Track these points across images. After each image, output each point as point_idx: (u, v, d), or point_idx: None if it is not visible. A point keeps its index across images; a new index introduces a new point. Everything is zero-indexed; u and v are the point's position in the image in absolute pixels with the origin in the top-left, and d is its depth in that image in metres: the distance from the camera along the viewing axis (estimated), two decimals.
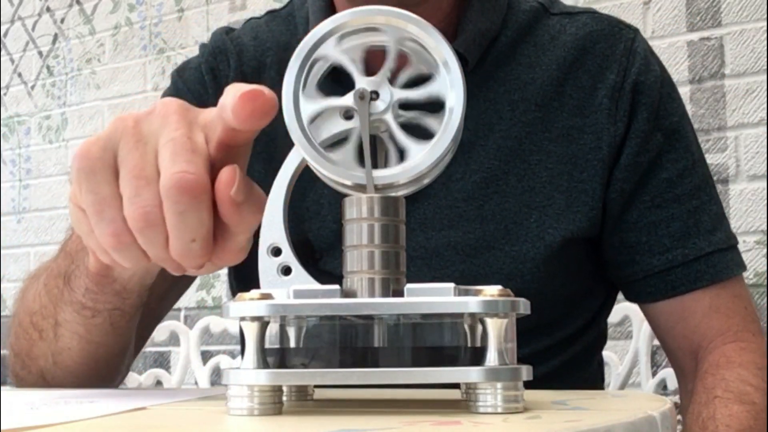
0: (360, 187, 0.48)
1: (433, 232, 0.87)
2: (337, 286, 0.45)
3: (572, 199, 0.87)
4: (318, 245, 0.88)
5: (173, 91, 0.96)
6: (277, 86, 0.50)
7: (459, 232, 0.87)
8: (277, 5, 1.03)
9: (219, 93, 0.93)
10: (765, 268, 1.72)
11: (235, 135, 0.52)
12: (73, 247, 0.74)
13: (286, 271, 0.50)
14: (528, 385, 0.44)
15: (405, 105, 0.50)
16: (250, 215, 0.51)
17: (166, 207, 0.50)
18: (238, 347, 1.66)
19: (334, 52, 0.49)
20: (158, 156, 0.51)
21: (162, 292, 0.88)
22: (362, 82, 0.49)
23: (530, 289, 0.85)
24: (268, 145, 0.91)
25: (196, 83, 0.95)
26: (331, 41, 0.50)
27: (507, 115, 0.89)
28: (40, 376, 0.82)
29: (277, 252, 0.50)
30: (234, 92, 0.51)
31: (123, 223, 0.52)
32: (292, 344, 0.46)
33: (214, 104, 0.93)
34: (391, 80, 0.49)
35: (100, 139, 0.53)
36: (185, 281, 0.94)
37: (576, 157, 0.88)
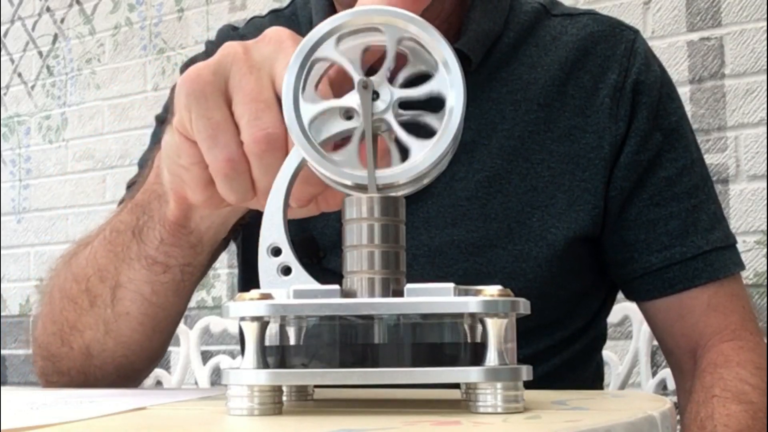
0: (360, 187, 0.48)
1: (437, 230, 0.87)
2: (336, 286, 0.45)
3: (574, 198, 0.87)
4: (322, 243, 0.88)
5: None
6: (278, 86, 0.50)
7: (462, 231, 0.87)
8: (277, 5, 1.04)
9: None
10: (765, 268, 1.72)
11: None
12: (143, 199, 0.71)
13: (286, 271, 0.50)
14: (528, 385, 0.44)
15: (405, 104, 0.50)
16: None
17: (253, 158, 0.50)
18: (238, 347, 1.67)
19: (334, 53, 0.49)
20: (275, 84, 0.51)
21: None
22: (361, 81, 0.49)
23: (532, 288, 0.86)
24: None
25: None
26: (330, 42, 0.50)
27: (510, 115, 0.89)
28: (84, 351, 0.77)
29: (277, 252, 0.50)
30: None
31: (239, 148, 0.51)
32: (292, 344, 0.46)
33: None
34: (391, 80, 0.49)
35: (210, 64, 0.52)
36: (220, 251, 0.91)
37: (578, 156, 0.88)
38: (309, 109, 0.49)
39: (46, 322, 0.79)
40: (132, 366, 0.79)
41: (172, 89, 0.98)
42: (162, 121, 0.96)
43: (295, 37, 0.52)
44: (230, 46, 0.53)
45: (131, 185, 0.92)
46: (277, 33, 0.52)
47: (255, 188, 0.52)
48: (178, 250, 0.70)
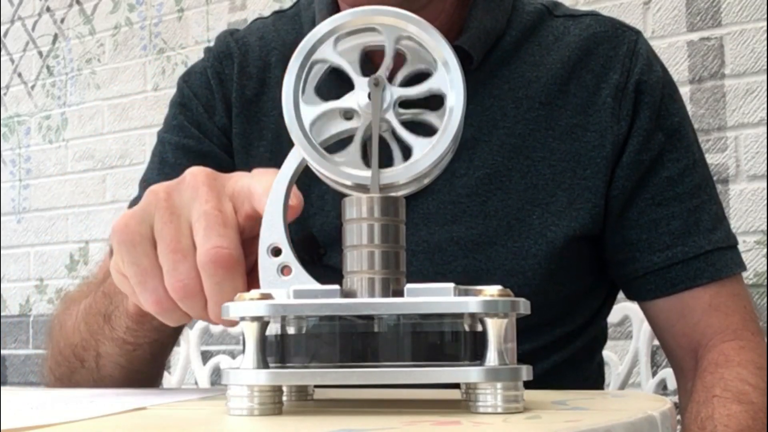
0: (360, 187, 0.48)
1: (437, 227, 0.87)
2: (336, 286, 0.45)
3: (575, 196, 0.88)
4: (322, 240, 0.89)
5: (180, 97, 0.97)
6: (281, 86, 0.50)
7: (462, 228, 0.87)
8: (277, 5, 1.04)
9: (226, 97, 0.94)
10: (765, 268, 1.72)
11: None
12: (111, 289, 0.77)
13: (286, 270, 0.50)
14: (528, 383, 0.44)
15: (405, 103, 0.50)
16: None
17: (204, 279, 0.54)
18: (238, 347, 1.66)
19: (332, 55, 0.49)
20: (192, 229, 0.55)
21: None
22: (361, 82, 0.49)
23: (532, 285, 0.86)
24: (273, 143, 0.92)
25: (203, 88, 0.96)
26: (328, 43, 0.50)
27: (511, 113, 0.89)
28: None
29: (277, 252, 0.50)
30: (266, 194, 0.53)
31: (165, 292, 0.56)
32: (292, 344, 0.46)
33: (221, 109, 0.94)
34: (390, 79, 0.49)
35: (137, 213, 0.57)
36: None
37: (579, 155, 0.88)
38: (310, 112, 0.49)
39: (53, 369, 0.87)
40: None
41: (170, 104, 0.99)
42: (161, 142, 0.97)
43: (210, 180, 0.57)
44: (153, 193, 0.58)
45: (133, 203, 0.93)
46: (194, 177, 0.57)
47: (189, 316, 0.58)
48: (144, 333, 0.76)
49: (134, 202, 0.95)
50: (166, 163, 0.95)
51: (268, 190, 0.53)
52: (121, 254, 0.57)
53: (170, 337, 0.81)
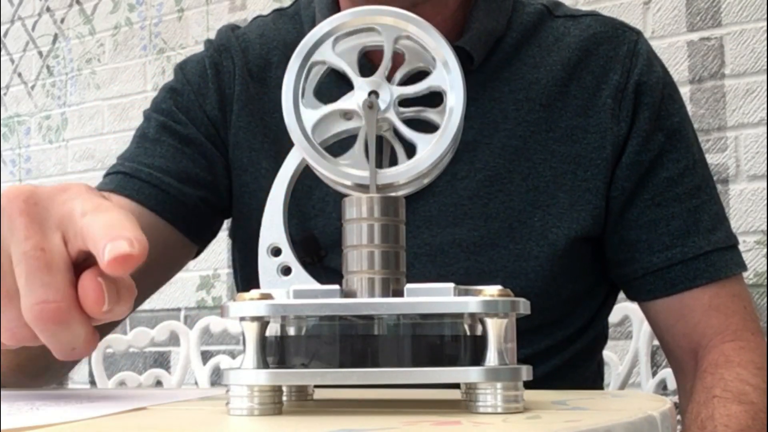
0: (360, 187, 0.48)
1: (438, 229, 0.87)
2: (336, 286, 0.45)
3: (576, 198, 0.88)
4: (323, 242, 0.89)
5: (173, 82, 0.97)
6: (281, 86, 0.50)
7: (463, 230, 0.87)
8: (277, 5, 1.04)
9: (221, 89, 0.94)
10: (765, 268, 1.72)
11: None
12: None
13: (286, 271, 0.50)
14: (528, 385, 0.44)
15: (404, 101, 0.50)
16: (125, 307, 0.49)
17: (36, 331, 0.48)
18: (238, 347, 1.66)
19: (331, 56, 0.49)
20: (13, 269, 0.47)
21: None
22: (360, 83, 0.49)
23: (533, 287, 0.86)
24: (275, 143, 0.92)
25: (197, 76, 0.96)
26: (327, 45, 0.50)
27: (512, 115, 0.89)
28: None
29: (277, 252, 0.50)
30: (105, 237, 0.45)
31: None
32: (292, 344, 0.46)
33: (214, 99, 0.94)
34: (389, 78, 0.49)
35: None
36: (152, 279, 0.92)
37: (580, 156, 0.88)
38: (310, 116, 0.49)
39: None
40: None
41: (162, 87, 0.99)
42: (147, 118, 0.97)
43: (28, 207, 0.48)
44: None
45: (105, 175, 0.93)
46: (9, 204, 0.48)
47: None
48: None
49: (105, 176, 0.93)
50: (147, 137, 0.95)
51: (108, 228, 0.45)
52: None
53: None
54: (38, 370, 0.79)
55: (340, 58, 0.50)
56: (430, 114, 0.49)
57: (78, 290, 0.47)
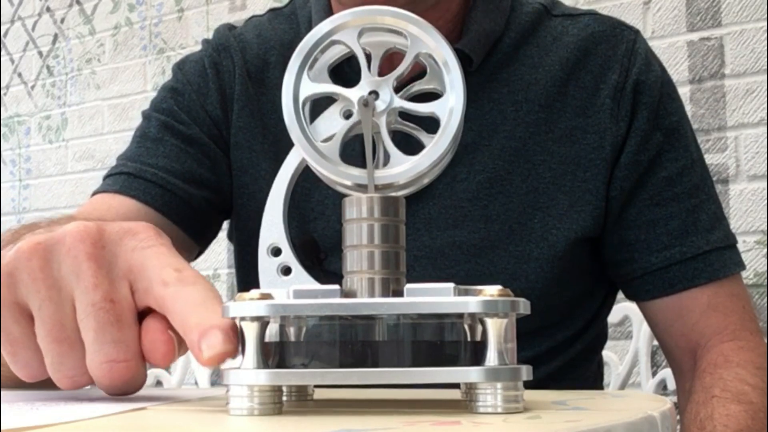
0: (360, 187, 0.48)
1: (438, 231, 0.87)
2: (336, 286, 0.45)
3: (575, 199, 0.88)
4: (323, 245, 0.88)
5: (173, 82, 0.97)
6: (280, 86, 0.50)
7: (464, 232, 0.87)
8: (277, 5, 1.04)
9: (222, 88, 0.94)
10: (765, 268, 1.72)
11: None
12: None
13: (286, 271, 0.50)
14: (528, 386, 0.44)
15: (405, 115, 0.50)
16: (182, 354, 0.48)
17: (98, 385, 0.47)
18: None
19: (354, 42, 0.49)
20: (78, 320, 0.46)
21: None
22: (369, 78, 0.49)
23: (534, 289, 0.86)
24: (274, 145, 0.92)
25: (197, 76, 0.95)
26: (353, 31, 0.49)
27: (511, 116, 0.89)
28: None
29: (277, 252, 0.50)
30: (197, 327, 0.44)
31: (40, 366, 0.48)
32: (292, 344, 0.46)
33: (215, 99, 0.93)
34: (401, 87, 0.49)
35: (1, 274, 0.47)
36: None
37: (579, 157, 0.88)
38: (309, 87, 0.49)
39: None
40: None
41: (161, 88, 0.98)
42: (147, 118, 0.96)
43: (95, 251, 0.46)
44: (24, 254, 0.47)
45: (106, 177, 0.92)
46: (74, 244, 0.46)
47: None
48: None
49: (107, 176, 0.93)
50: (148, 137, 0.94)
51: (197, 313, 0.44)
52: None
53: None
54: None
55: (360, 48, 0.49)
56: (422, 136, 0.49)
57: (144, 342, 0.46)
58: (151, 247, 0.47)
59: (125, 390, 0.47)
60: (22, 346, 0.48)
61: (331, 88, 0.49)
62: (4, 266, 0.47)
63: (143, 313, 0.47)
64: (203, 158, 0.93)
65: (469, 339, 0.46)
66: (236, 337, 0.44)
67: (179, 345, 0.47)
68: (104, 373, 0.45)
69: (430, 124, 0.49)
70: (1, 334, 0.48)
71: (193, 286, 0.46)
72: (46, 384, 0.72)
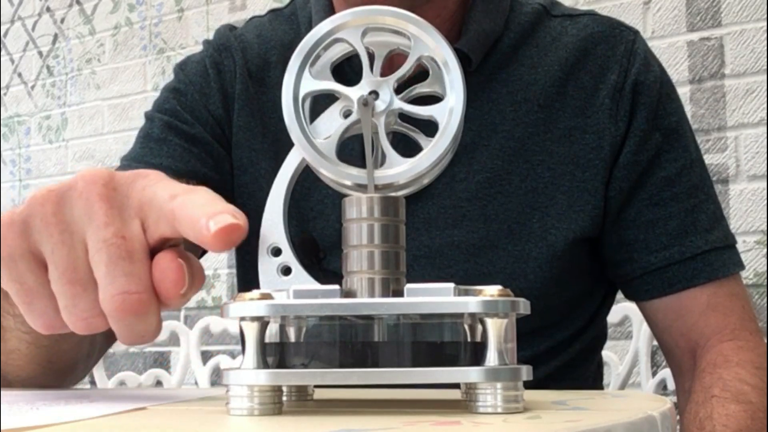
0: (360, 187, 0.48)
1: (437, 231, 0.87)
2: (336, 286, 0.45)
3: (574, 199, 0.88)
4: (322, 244, 0.89)
5: (175, 83, 0.97)
6: (280, 86, 0.50)
7: (463, 232, 0.87)
8: (277, 5, 1.04)
9: (223, 88, 0.94)
10: (765, 268, 1.72)
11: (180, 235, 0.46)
12: None
13: (286, 271, 0.50)
14: (528, 386, 0.44)
15: (405, 117, 0.50)
16: (197, 290, 0.48)
17: (111, 322, 0.47)
18: (238, 347, 1.66)
19: (357, 41, 0.49)
20: (90, 258, 0.46)
21: None
22: (370, 78, 0.49)
23: (533, 289, 0.86)
24: (274, 144, 0.92)
25: (199, 76, 0.95)
26: (356, 30, 0.49)
27: (510, 116, 0.89)
28: None
29: (277, 252, 0.50)
30: (204, 215, 0.44)
31: (56, 315, 0.48)
32: (292, 344, 0.46)
33: (218, 99, 0.93)
34: (402, 88, 0.49)
35: (15, 223, 0.48)
36: None
37: (578, 157, 0.88)
38: (310, 84, 0.49)
39: None
40: None
41: (163, 88, 0.98)
42: (150, 118, 0.96)
43: (108, 191, 0.47)
44: (37, 200, 0.47)
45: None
46: (87, 187, 0.47)
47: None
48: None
49: None
50: (151, 137, 0.93)
51: (204, 206, 0.44)
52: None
53: None
54: (68, 366, 0.78)
55: (364, 47, 0.49)
56: (420, 139, 0.49)
57: (154, 273, 0.46)
58: (161, 182, 0.48)
59: (140, 331, 0.47)
60: (38, 295, 0.48)
61: (331, 85, 0.49)
62: (18, 214, 0.48)
63: (155, 255, 0.47)
64: (207, 158, 0.93)
65: (469, 339, 0.46)
66: (244, 218, 0.44)
67: (191, 278, 0.47)
68: (117, 305, 0.45)
69: (429, 127, 0.49)
70: (17, 284, 0.48)
71: (200, 193, 0.46)
72: (45, 384, 0.73)
